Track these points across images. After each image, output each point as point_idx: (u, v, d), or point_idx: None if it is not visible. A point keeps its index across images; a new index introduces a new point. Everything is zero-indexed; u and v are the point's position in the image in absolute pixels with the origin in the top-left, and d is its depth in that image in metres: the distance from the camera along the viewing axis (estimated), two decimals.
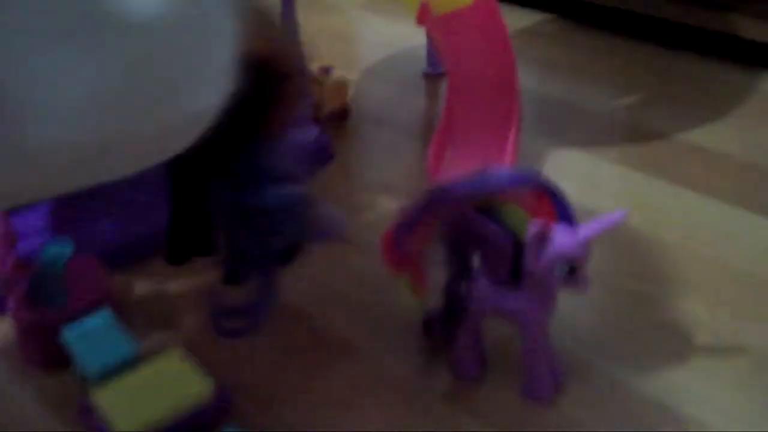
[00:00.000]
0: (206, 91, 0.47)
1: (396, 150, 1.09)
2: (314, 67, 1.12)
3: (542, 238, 0.61)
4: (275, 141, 0.65)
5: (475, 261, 0.69)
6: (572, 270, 0.61)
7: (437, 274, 0.71)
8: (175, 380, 0.66)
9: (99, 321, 0.71)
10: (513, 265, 0.64)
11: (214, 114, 0.48)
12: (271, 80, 0.60)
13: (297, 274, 0.73)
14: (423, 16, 1.11)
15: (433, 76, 1.30)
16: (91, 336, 0.70)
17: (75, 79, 0.37)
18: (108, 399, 0.64)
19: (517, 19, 1.53)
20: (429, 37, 1.25)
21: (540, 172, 0.66)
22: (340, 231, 0.76)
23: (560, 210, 0.64)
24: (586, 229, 0.62)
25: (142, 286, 0.84)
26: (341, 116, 1.15)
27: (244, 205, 0.65)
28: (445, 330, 0.73)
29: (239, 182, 0.65)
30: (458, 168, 1.02)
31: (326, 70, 1.12)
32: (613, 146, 1.11)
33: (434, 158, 1.02)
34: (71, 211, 0.87)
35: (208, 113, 0.48)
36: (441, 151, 1.03)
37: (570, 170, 1.05)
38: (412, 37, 1.38)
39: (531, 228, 0.60)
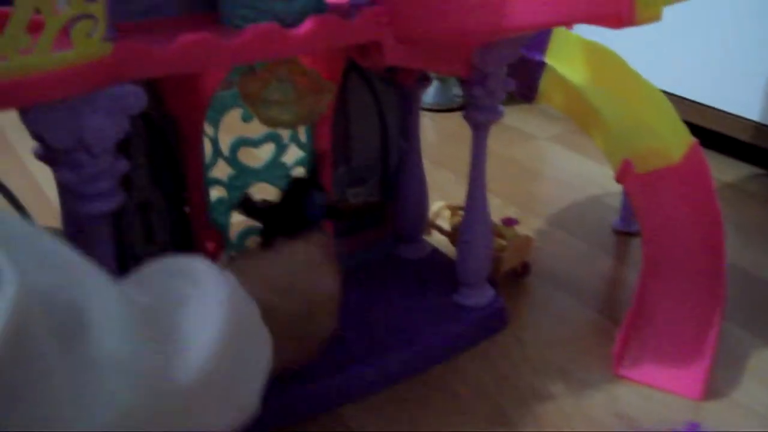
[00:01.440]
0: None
1: (576, 324, 0.99)
2: (497, 218, 1.03)
3: None
4: None
5: None
6: None
7: None
8: None
9: None
10: None
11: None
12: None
13: None
14: (625, 173, 1.01)
15: (624, 233, 1.19)
16: None
17: None
18: None
19: (720, 172, 1.40)
20: (627, 194, 1.14)
21: None
22: None
23: None
24: None
25: None
26: (520, 274, 1.06)
27: None
28: None
29: None
30: (650, 361, 0.90)
31: (509, 222, 1.04)
32: None
33: (622, 345, 0.91)
34: None
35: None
36: (631, 335, 0.92)
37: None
38: (605, 181, 1.28)
39: None
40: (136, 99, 0.63)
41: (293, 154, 0.92)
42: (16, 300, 0.38)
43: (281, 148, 0.90)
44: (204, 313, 0.54)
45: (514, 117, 1.60)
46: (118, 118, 0.63)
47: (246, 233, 0.91)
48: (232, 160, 0.88)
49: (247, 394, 0.58)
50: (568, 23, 0.83)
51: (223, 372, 0.53)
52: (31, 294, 0.39)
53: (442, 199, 1.11)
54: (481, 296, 0.93)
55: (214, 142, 0.86)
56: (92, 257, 0.68)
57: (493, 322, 0.95)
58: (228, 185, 0.88)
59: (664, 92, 1.09)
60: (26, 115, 0.59)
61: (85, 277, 0.47)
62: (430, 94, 1.69)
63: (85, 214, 0.65)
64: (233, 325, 0.55)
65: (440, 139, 1.56)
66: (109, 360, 0.44)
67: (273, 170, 0.90)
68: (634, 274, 1.07)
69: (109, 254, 0.69)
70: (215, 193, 0.87)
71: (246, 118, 0.84)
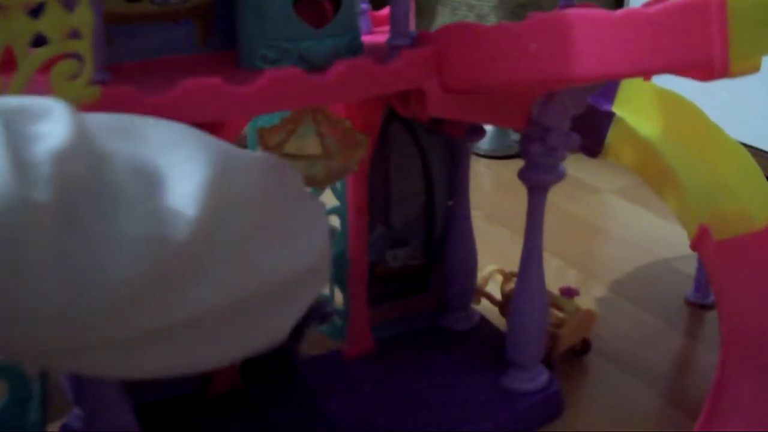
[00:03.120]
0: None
1: (641, 413, 0.86)
2: (556, 285, 0.92)
3: None
4: None
5: None
6: None
7: None
8: None
9: None
10: None
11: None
12: None
13: None
14: (701, 240, 0.89)
15: (699, 305, 1.06)
16: None
17: None
18: None
19: None
20: (704, 263, 1.01)
21: None
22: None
23: None
24: None
25: None
26: (579, 351, 0.93)
27: None
28: None
29: None
30: None
31: (569, 293, 0.92)
32: None
33: None
34: None
35: None
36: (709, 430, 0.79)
37: None
38: (677, 242, 1.15)
39: None
40: None
41: (328, 199, 0.83)
42: None
43: (315, 190, 0.81)
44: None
45: (576, 166, 1.47)
46: None
47: None
48: None
49: (278, 260, 0.50)
50: (648, 74, 0.71)
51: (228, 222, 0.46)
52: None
53: (496, 260, 1.00)
54: (533, 380, 0.81)
55: None
56: None
57: (546, 410, 0.83)
58: None
59: (745, 145, 0.97)
60: None
61: None
62: (485, 140, 1.58)
63: None
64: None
65: (496, 190, 1.45)
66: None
67: None
68: (710, 354, 0.95)
69: None
70: None
71: None
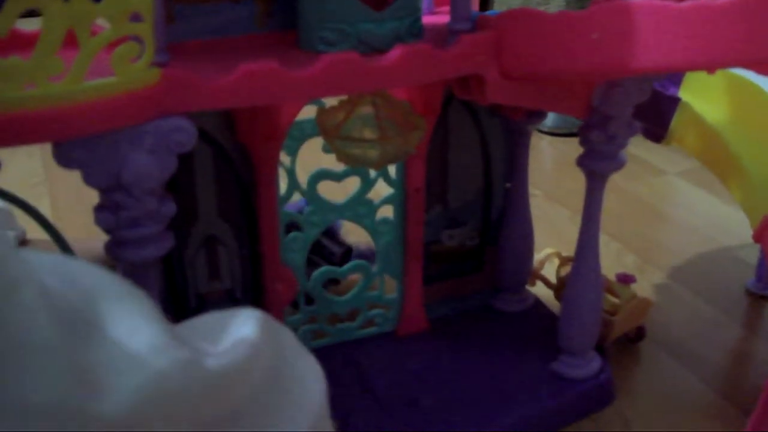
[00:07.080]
0: None
1: (693, 405, 0.85)
2: (613, 268, 0.90)
3: None
4: None
5: None
6: None
7: None
8: None
9: None
10: None
11: None
12: None
13: None
14: (764, 232, 0.86)
15: (759, 296, 1.03)
16: None
17: None
18: None
19: None
20: (766, 254, 0.99)
21: None
22: None
23: None
24: None
25: None
26: (633, 339, 0.92)
27: None
28: None
29: None
30: None
31: (626, 279, 0.91)
32: None
33: None
34: None
35: None
36: (761, 429, 0.78)
37: None
38: (742, 231, 1.13)
39: None
40: (186, 135, 0.54)
41: (381, 190, 0.82)
42: None
43: (367, 184, 0.81)
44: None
45: (641, 146, 1.45)
46: (164, 156, 0.54)
47: (321, 276, 0.82)
48: (311, 195, 0.79)
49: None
50: (714, 67, 0.68)
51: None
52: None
53: (554, 241, 0.99)
54: (585, 367, 0.81)
55: (291, 174, 0.77)
56: None
57: (597, 398, 0.82)
58: (304, 222, 0.79)
59: None
60: (57, 150, 0.52)
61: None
62: (549, 117, 1.56)
63: (125, 260, 0.57)
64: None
65: (558, 169, 1.43)
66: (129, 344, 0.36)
67: (357, 207, 0.81)
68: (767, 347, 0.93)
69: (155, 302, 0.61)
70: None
71: (328, 149, 0.74)
